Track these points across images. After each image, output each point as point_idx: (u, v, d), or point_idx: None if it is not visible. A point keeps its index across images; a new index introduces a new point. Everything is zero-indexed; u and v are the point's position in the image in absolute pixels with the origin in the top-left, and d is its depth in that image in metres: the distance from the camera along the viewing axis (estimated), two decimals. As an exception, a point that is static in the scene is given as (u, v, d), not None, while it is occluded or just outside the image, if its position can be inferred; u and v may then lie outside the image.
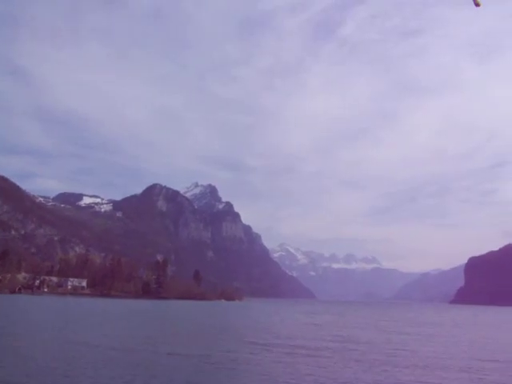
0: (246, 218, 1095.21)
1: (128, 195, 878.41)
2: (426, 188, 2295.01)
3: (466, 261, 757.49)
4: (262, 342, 48.99)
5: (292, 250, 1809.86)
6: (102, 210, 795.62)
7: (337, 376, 29.68)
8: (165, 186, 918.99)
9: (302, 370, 31.39)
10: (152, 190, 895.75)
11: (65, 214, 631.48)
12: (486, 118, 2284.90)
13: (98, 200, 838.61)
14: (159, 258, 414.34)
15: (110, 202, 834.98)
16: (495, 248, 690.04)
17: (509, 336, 78.41)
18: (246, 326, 75.51)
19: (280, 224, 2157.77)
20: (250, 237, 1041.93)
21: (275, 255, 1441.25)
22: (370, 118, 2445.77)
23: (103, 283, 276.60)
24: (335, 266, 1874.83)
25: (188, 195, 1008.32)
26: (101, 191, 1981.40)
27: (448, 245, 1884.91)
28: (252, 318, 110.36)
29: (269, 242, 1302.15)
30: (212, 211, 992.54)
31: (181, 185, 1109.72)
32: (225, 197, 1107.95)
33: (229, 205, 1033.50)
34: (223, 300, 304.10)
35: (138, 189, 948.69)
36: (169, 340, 49.05)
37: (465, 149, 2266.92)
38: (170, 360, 34.16)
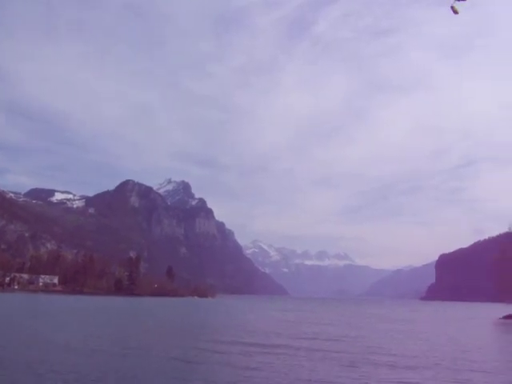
0: (219, 215, 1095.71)
1: (101, 191, 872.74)
2: (398, 186, 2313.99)
3: (436, 258, 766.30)
4: (235, 339, 48.82)
5: (265, 247, 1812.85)
6: (74, 206, 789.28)
7: (310, 373, 29.66)
8: (138, 183, 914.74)
9: (276, 368, 31.30)
10: (125, 186, 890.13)
11: (36, 210, 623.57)
12: (456, 117, 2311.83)
13: (70, 196, 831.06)
14: (132, 254, 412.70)
15: (83, 198, 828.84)
16: (465, 245, 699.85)
17: (474, 332, 79.49)
18: (218, 324, 75.32)
19: (253, 221, 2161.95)
20: (223, 233, 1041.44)
21: (248, 252, 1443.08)
22: (343, 117, 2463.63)
23: (75, 280, 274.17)
24: (308, 262, 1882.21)
25: (161, 191, 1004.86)
26: (73, 187, 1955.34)
27: (419, 242, 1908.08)
28: (224, 315, 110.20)
29: (242, 239, 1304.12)
30: (185, 208, 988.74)
31: (154, 181, 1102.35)
32: (198, 193, 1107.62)
33: (202, 201, 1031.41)
34: (196, 297, 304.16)
35: (110, 185, 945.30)
36: (136, 339, 48.49)
37: (435, 147, 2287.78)
38: (136, 359, 33.84)
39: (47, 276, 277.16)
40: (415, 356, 40.62)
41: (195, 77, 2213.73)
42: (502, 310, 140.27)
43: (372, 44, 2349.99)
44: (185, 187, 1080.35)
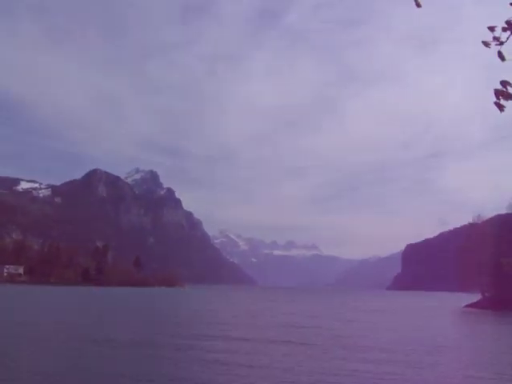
0: (187, 204, 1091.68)
1: (68, 180, 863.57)
2: (366, 176, 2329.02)
3: (403, 248, 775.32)
4: (200, 331, 49.39)
5: (233, 237, 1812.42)
6: (41, 195, 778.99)
7: (276, 364, 30.31)
8: (105, 172, 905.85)
9: (239, 359, 31.83)
10: (92, 176, 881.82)
11: (0, 198, 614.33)
12: (423, 108, 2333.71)
13: (36, 185, 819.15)
14: (99, 244, 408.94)
15: (49, 187, 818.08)
16: (431, 236, 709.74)
17: (438, 321, 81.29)
18: (183, 315, 75.55)
19: (221, 210, 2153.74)
20: (191, 223, 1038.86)
21: (216, 241, 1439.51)
22: (312, 106, 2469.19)
23: (41, 270, 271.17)
24: (276, 252, 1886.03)
25: (129, 181, 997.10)
26: (39, 176, 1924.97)
27: (387, 232, 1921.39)
28: (192, 305, 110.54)
29: (210, 229, 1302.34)
30: (153, 197, 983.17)
31: (122, 170, 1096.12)
32: (166, 183, 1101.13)
33: (170, 191, 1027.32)
34: (164, 286, 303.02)
35: (77, 174, 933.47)
36: (99, 329, 48.69)
37: (403, 138, 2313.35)
38: (98, 349, 34.17)
39: (12, 266, 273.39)
40: (383, 346, 41.68)
41: (162, 65, 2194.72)
42: (465, 299, 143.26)
43: (342, 35, 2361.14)
44: (153, 176, 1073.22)
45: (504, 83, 3.98)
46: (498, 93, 3.98)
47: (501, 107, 4.02)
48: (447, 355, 37.97)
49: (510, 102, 3.30)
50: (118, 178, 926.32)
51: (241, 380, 24.96)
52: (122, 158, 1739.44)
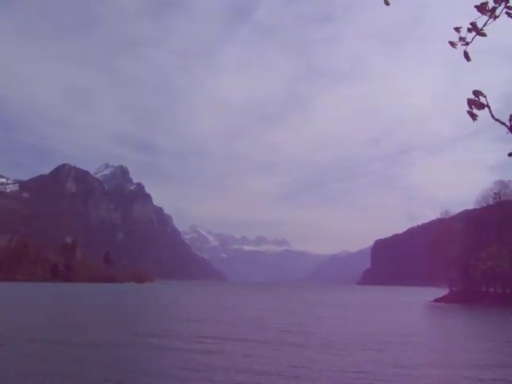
0: (157, 200, 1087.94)
1: (36, 175, 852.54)
2: (336, 172, 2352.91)
3: (372, 243, 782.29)
4: (168, 328, 49.21)
5: (203, 232, 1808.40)
6: (8, 190, 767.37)
7: (243, 359, 30.34)
8: (74, 167, 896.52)
9: (206, 355, 31.75)
10: (61, 171, 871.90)
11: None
12: (392, 105, 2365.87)
13: (3, 180, 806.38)
14: (68, 240, 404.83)
15: (16, 182, 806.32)
16: (400, 231, 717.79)
17: (407, 315, 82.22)
18: (150, 312, 74.61)
19: (191, 206, 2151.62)
20: (162, 218, 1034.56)
21: (186, 237, 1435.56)
22: (283, 102, 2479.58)
23: (8, 266, 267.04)
24: (246, 248, 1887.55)
25: (98, 176, 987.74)
26: (6, 171, 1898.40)
27: (356, 228, 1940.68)
28: (159, 301, 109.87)
29: (180, 224, 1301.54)
30: (123, 192, 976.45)
31: (91, 165, 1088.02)
32: (136, 178, 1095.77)
33: (140, 186, 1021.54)
34: (133, 282, 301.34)
35: (46, 169, 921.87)
36: (64, 328, 47.94)
37: (373, 134, 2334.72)
38: (62, 349, 33.80)
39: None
40: (354, 341, 42.05)
41: (134, 60, 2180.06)
42: (433, 293, 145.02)
43: (312, 31, 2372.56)
44: (123, 172, 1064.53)
45: (476, 93, 4.07)
46: (470, 102, 4.06)
47: (473, 116, 4.11)
48: (416, 349, 38.42)
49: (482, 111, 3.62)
50: (87, 173, 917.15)
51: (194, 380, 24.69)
52: (91, 153, 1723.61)
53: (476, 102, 4.06)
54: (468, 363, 31.83)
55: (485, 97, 4.03)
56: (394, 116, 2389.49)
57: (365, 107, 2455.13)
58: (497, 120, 3.95)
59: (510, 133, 3.85)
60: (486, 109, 3.18)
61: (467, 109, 4.12)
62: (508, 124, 3.87)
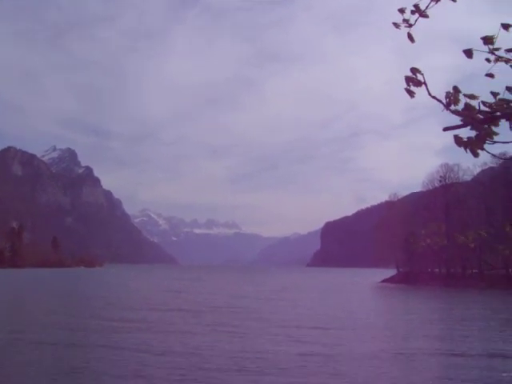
0: (106, 184, 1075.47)
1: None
2: (286, 155, 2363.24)
3: (322, 225, 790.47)
4: (115, 314, 49.03)
5: (153, 216, 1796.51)
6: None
7: (189, 344, 30.59)
8: (20, 150, 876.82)
9: (151, 340, 31.77)
10: (6, 153, 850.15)
11: None
12: (344, 89, 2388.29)
13: None
14: (14, 224, 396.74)
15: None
16: (349, 213, 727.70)
17: (356, 295, 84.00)
18: (99, 296, 73.46)
19: (141, 190, 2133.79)
20: (111, 202, 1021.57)
21: (136, 221, 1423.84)
22: (235, 85, 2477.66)
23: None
24: (197, 231, 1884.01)
25: (45, 159, 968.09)
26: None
27: (307, 210, 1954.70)
28: (108, 286, 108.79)
29: (130, 208, 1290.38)
30: (71, 176, 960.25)
31: (38, 148, 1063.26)
32: (85, 161, 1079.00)
33: (89, 169, 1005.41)
34: (83, 267, 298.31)
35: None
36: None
37: (324, 118, 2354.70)
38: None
39: None
40: (306, 324, 42.75)
41: (81, 39, 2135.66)
42: (381, 274, 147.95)
43: (264, 14, 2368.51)
44: (71, 155, 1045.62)
45: (414, 70, 4.13)
46: (408, 79, 4.11)
47: (411, 93, 4.16)
48: (363, 329, 39.42)
49: (419, 88, 4.14)
50: (33, 156, 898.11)
51: (139, 365, 24.29)
52: (38, 136, 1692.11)
53: (413, 80, 4.10)
54: (410, 336, 33.10)
55: (422, 74, 4.08)
56: (346, 99, 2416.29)
57: (317, 90, 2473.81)
58: (433, 97, 4.02)
59: (445, 110, 3.96)
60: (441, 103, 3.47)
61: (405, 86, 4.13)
62: (444, 101, 3.96)
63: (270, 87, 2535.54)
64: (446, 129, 3.94)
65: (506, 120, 3.73)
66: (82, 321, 40.69)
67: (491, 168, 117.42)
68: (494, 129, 3.74)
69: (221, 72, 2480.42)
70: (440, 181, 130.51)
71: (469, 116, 3.78)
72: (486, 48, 3.86)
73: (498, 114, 3.73)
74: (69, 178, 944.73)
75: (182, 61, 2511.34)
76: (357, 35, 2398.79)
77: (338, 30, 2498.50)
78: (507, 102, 3.75)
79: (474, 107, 3.78)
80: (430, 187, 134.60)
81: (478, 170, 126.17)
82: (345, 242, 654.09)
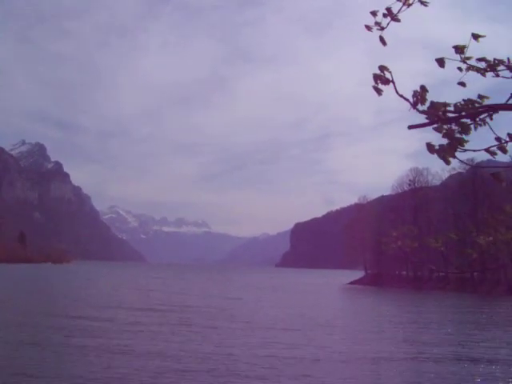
0: (75, 179, 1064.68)
1: None
2: (257, 155, 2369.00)
3: (291, 226, 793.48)
4: (82, 312, 48.66)
5: (122, 213, 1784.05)
6: None
7: (158, 345, 30.58)
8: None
9: (119, 340, 31.60)
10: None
11: None
12: (315, 91, 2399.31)
13: None
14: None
15: None
16: (319, 215, 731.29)
17: (325, 296, 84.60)
18: (65, 294, 72.39)
19: (111, 186, 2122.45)
20: (80, 198, 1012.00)
21: (105, 217, 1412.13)
22: (207, 84, 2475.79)
23: None
24: (166, 229, 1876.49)
25: (14, 153, 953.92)
26: None
27: (276, 211, 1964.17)
28: (78, 282, 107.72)
29: (99, 204, 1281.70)
30: (40, 171, 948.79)
31: (5, 142, 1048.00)
32: (54, 156, 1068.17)
33: (58, 164, 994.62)
34: (50, 263, 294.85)
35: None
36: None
37: (294, 119, 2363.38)
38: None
39: None
40: (273, 325, 42.96)
41: (52, 32, 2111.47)
42: (349, 276, 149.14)
43: (237, 14, 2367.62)
44: (40, 149, 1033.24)
45: (382, 68, 4.13)
46: (376, 77, 4.10)
47: (379, 91, 4.14)
48: (330, 329, 39.76)
49: (387, 86, 4.16)
50: (1, 149, 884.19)
51: (106, 366, 23.87)
52: (6, 129, 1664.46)
53: (381, 77, 4.09)
54: (378, 339, 33.46)
55: (390, 72, 4.06)
56: (317, 101, 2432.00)
57: (288, 92, 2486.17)
58: (401, 96, 4.01)
59: (412, 109, 3.94)
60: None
61: (373, 84, 4.14)
62: (411, 100, 3.96)
63: (243, 87, 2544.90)
64: (410, 127, 3.91)
65: (471, 120, 3.76)
66: (48, 319, 40.25)
67: (459, 173, 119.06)
68: (465, 137, 3.74)
69: (194, 71, 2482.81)
70: (409, 184, 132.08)
71: (434, 114, 3.75)
72: (458, 57, 3.88)
73: (463, 113, 3.75)
74: (38, 172, 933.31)
75: (156, 58, 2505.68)
76: (329, 37, 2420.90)
77: (310, 31, 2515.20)
78: (473, 102, 3.77)
79: (439, 106, 3.78)
80: (400, 190, 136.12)
81: (446, 174, 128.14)
82: (314, 243, 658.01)
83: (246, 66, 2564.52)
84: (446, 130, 3.80)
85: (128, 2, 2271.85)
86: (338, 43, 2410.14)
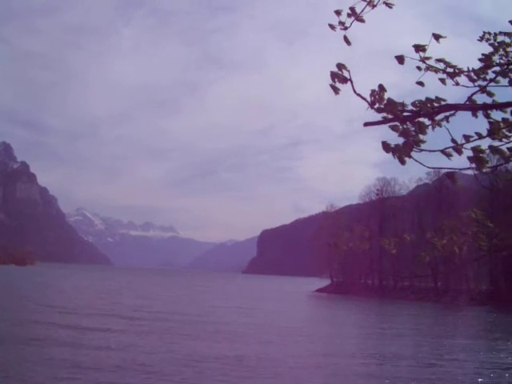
0: (42, 180, 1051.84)
1: None
2: (226, 161, 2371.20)
3: (259, 233, 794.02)
4: (45, 317, 48.23)
5: (89, 215, 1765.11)
6: None
7: (126, 348, 30.51)
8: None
9: (83, 347, 31.41)
10: None
11: None
12: (286, 99, 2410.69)
13: None
14: None
15: None
16: (287, 222, 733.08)
17: (291, 304, 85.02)
18: (27, 297, 70.88)
19: (78, 188, 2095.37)
20: (46, 199, 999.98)
21: (71, 219, 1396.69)
22: (177, 88, 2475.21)
23: None
24: (133, 233, 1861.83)
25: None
26: None
27: (244, 217, 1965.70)
28: (41, 286, 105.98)
29: (65, 206, 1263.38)
30: (5, 171, 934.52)
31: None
32: (20, 156, 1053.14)
33: (24, 165, 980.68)
34: (13, 264, 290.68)
35: None
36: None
37: (264, 126, 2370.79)
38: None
39: None
40: (239, 331, 43.11)
41: (22, 30, 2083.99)
42: (316, 283, 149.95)
43: (210, 20, 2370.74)
44: (6, 149, 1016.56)
45: (339, 66, 4.06)
46: (333, 75, 4.04)
47: (336, 90, 4.08)
48: (294, 337, 40.04)
49: (345, 85, 4.05)
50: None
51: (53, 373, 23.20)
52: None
53: (339, 76, 4.03)
54: (339, 352, 33.76)
55: (348, 71, 4.00)
56: (288, 109, 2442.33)
57: (258, 98, 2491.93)
58: (358, 95, 3.93)
59: (369, 108, 3.86)
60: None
61: (331, 82, 4.11)
62: (369, 100, 3.88)
63: (212, 93, 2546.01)
64: (366, 124, 3.81)
65: (428, 119, 3.69)
66: (7, 326, 39.55)
67: (426, 184, 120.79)
68: (422, 137, 3.66)
69: (164, 75, 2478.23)
70: (377, 194, 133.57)
71: (391, 112, 3.70)
72: (418, 56, 3.83)
73: (421, 112, 3.67)
74: (3, 172, 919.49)
75: (127, 61, 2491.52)
76: (300, 45, 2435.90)
77: (282, 39, 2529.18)
78: (431, 101, 3.70)
79: (396, 103, 3.71)
80: (367, 199, 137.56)
81: (413, 185, 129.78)
82: (282, 250, 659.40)
83: (217, 71, 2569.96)
84: (403, 128, 3.70)
85: (101, 3, 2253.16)
86: (310, 51, 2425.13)
